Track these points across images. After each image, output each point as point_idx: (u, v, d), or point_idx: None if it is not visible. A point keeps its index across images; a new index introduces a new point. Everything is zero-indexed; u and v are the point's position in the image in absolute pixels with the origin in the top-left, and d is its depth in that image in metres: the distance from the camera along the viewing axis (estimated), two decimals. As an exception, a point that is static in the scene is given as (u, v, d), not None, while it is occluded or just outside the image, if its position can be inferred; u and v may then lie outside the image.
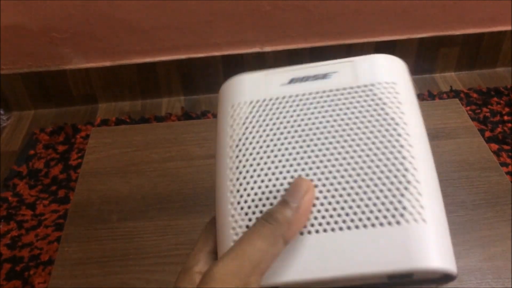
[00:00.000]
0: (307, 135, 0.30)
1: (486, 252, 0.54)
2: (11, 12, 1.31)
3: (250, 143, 0.30)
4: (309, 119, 0.30)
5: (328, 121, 0.30)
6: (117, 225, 0.58)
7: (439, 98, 1.44)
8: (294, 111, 0.31)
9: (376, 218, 0.26)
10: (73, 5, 1.31)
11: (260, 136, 0.31)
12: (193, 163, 0.65)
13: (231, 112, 0.33)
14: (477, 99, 1.43)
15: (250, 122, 0.31)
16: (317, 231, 0.27)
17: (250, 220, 0.28)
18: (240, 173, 0.30)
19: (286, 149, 0.30)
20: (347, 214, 0.27)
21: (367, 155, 0.28)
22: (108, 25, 1.36)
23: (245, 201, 0.29)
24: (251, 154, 0.30)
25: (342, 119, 0.30)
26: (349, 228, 0.26)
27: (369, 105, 0.30)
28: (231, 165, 0.30)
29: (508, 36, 1.49)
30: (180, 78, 1.48)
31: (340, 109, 0.30)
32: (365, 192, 0.27)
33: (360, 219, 0.27)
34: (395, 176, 0.27)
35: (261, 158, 0.30)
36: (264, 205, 0.28)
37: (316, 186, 0.28)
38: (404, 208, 0.26)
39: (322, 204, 0.28)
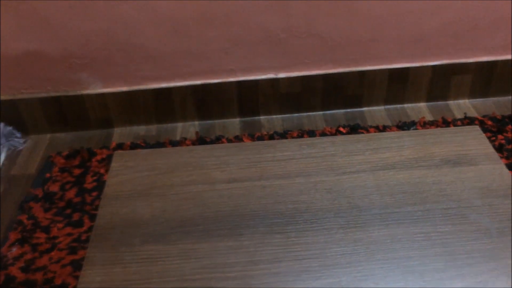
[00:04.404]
0: None
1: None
2: (32, 38, 1.35)
3: None
4: None
5: None
6: (140, 249, 0.58)
7: (454, 125, 1.44)
8: None
9: None
10: (92, 32, 1.35)
11: None
12: (214, 187, 0.66)
13: None
14: (492, 126, 1.43)
15: None
16: None
17: None
18: None
19: None
20: None
21: None
22: (126, 51, 1.39)
23: None
24: None
25: None
26: None
27: None
28: None
29: (521, 64, 1.50)
30: (195, 103, 1.50)
31: None
32: None
33: None
34: None
35: None
36: None
37: None
38: None
39: None
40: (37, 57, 1.38)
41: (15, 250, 1.15)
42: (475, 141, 0.71)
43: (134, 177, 0.68)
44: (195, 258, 0.57)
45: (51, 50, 1.37)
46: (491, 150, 0.69)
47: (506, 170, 0.66)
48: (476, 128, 0.73)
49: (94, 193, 1.29)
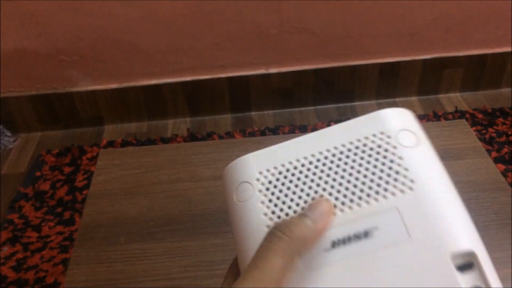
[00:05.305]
0: None
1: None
2: (20, 36, 1.34)
3: None
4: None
5: None
6: (126, 247, 0.58)
7: (444, 119, 1.44)
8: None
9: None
10: (81, 29, 1.34)
11: None
12: (201, 184, 0.65)
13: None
14: (483, 119, 1.44)
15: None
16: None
17: None
18: None
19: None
20: None
21: None
22: (116, 48, 1.38)
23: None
24: None
25: None
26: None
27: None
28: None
29: (512, 57, 1.50)
30: (186, 100, 1.50)
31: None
32: None
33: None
34: None
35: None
36: None
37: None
38: None
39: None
40: (25, 54, 1.37)
41: (6, 250, 1.15)
42: (462, 135, 0.71)
43: (120, 175, 0.67)
44: (181, 256, 0.57)
45: (39, 47, 1.36)
46: (478, 144, 0.69)
47: (492, 164, 0.66)
48: (463, 122, 0.73)
49: (85, 191, 1.28)
